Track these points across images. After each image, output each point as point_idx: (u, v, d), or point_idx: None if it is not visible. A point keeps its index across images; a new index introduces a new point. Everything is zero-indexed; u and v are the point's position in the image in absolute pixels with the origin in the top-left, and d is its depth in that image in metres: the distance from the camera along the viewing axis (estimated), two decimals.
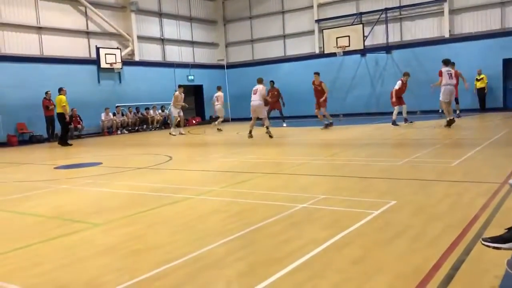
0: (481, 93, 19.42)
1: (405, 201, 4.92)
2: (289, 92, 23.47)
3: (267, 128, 14.08)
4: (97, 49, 20.83)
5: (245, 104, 21.60)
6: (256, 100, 14.09)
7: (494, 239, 2.73)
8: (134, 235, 4.32)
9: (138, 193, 6.44)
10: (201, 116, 26.30)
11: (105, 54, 20.95)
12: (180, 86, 18.49)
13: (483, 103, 19.57)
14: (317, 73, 15.83)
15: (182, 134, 17.78)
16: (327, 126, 15.83)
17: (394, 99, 15.48)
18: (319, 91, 15.64)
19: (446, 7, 20.72)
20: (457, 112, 17.05)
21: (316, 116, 16.41)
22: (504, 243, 2.68)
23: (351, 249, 3.50)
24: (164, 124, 22.89)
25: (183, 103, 18.06)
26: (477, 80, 19.29)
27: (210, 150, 12.85)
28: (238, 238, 3.99)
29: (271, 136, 13.73)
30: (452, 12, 20.82)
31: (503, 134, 11.17)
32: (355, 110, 22.71)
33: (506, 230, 2.72)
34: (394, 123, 15.32)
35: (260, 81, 14.53)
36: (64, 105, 15.47)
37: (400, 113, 15.61)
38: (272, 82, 19.21)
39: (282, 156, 9.94)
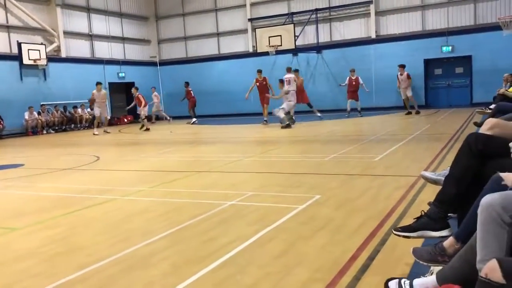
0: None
1: (329, 195, 5.10)
2: (223, 90, 23.60)
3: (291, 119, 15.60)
4: (19, 44, 19.60)
5: (179, 102, 21.46)
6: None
7: (404, 229, 2.90)
8: (55, 238, 4.15)
9: (62, 195, 6.17)
10: (133, 114, 25.58)
11: (28, 49, 19.73)
12: (98, 83, 17.96)
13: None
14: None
15: (107, 132, 17.56)
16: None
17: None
18: None
19: (372, 9, 21.60)
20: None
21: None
22: (413, 232, 2.85)
23: (275, 244, 3.58)
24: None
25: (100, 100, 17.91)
26: None
27: (141, 149, 12.54)
28: (164, 237, 3.95)
29: (289, 125, 15.06)
30: (378, 13, 21.74)
31: (424, 129, 11.86)
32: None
33: (415, 220, 2.90)
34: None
35: (289, 69, 16.66)
36: None
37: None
38: (186, 83, 20.96)
39: (214, 154, 9.92)
